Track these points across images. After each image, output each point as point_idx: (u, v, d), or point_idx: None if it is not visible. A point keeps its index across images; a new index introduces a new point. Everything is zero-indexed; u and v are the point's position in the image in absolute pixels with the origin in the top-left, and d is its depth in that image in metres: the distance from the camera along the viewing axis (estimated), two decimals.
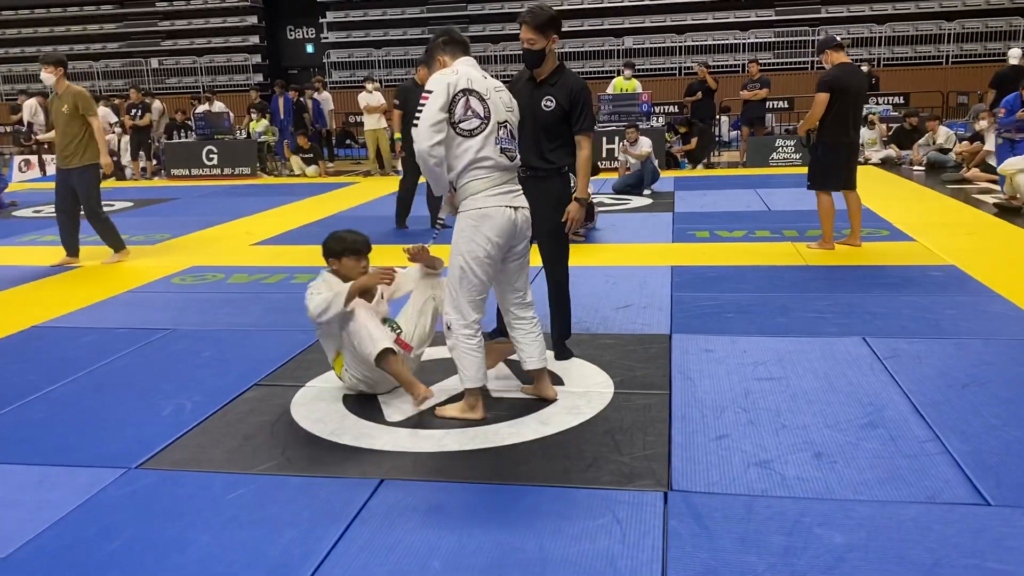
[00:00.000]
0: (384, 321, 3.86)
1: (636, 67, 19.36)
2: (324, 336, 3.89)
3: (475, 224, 3.43)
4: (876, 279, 5.78)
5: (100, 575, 2.52)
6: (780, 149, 13.64)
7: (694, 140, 13.73)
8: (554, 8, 4.14)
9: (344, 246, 3.87)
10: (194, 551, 2.63)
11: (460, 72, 3.42)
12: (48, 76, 7.02)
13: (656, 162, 11.32)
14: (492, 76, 3.62)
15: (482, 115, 3.39)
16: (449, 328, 3.54)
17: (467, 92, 3.36)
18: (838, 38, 6.98)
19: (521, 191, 3.61)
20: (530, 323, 3.73)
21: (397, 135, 8.88)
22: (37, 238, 8.98)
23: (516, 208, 3.52)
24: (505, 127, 3.50)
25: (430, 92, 3.35)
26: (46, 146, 15.67)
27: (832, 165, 6.67)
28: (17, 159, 16.57)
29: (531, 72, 4.16)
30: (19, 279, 6.79)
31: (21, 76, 24.54)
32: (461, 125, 3.37)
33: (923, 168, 12.38)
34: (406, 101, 8.24)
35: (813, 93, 6.64)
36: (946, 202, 9.32)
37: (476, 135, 3.39)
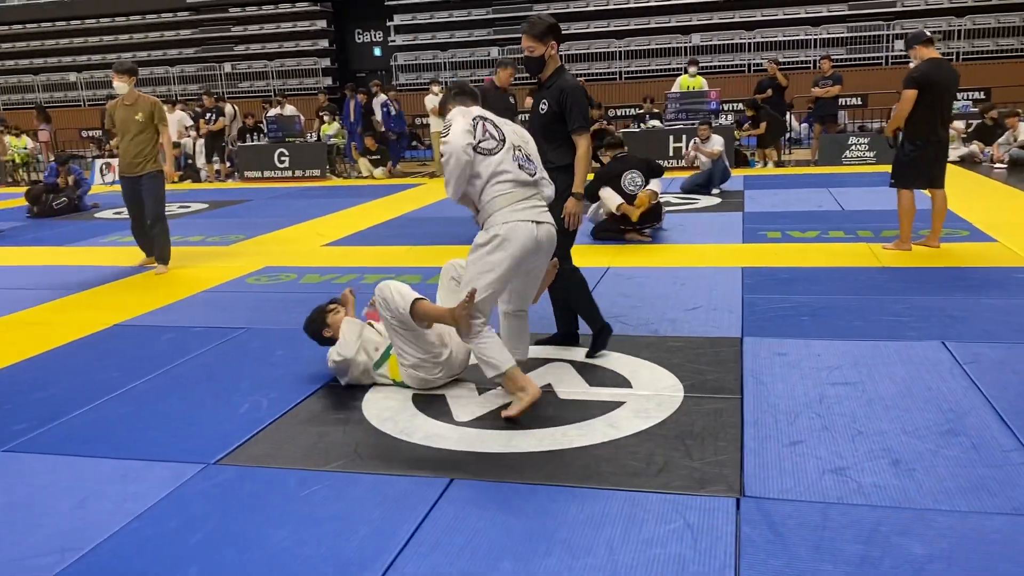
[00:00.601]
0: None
1: (703, 65, 19.10)
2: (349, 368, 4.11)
3: (494, 246, 3.64)
4: (956, 281, 5.59)
5: (183, 567, 2.60)
6: (853, 147, 13.32)
7: (763, 124, 13.47)
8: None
9: (325, 314, 4.34)
10: (272, 545, 2.69)
11: (473, 109, 3.80)
12: (123, 85, 7.05)
13: (727, 161, 11.14)
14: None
15: (498, 137, 3.73)
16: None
17: (482, 119, 3.74)
18: (928, 32, 6.76)
19: (546, 207, 3.81)
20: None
21: None
22: (118, 239, 9.30)
23: (539, 223, 3.70)
24: (520, 150, 3.79)
25: (451, 121, 3.71)
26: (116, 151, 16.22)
27: (919, 163, 6.47)
28: (99, 163, 17.19)
29: (538, 79, 4.47)
30: (101, 279, 7.06)
31: (102, 82, 25.46)
32: (482, 145, 3.68)
33: (1005, 166, 11.94)
34: (486, 103, 8.00)
35: (886, 89, 6.47)
36: None
37: (496, 153, 3.69)
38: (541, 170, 3.88)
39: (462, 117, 3.70)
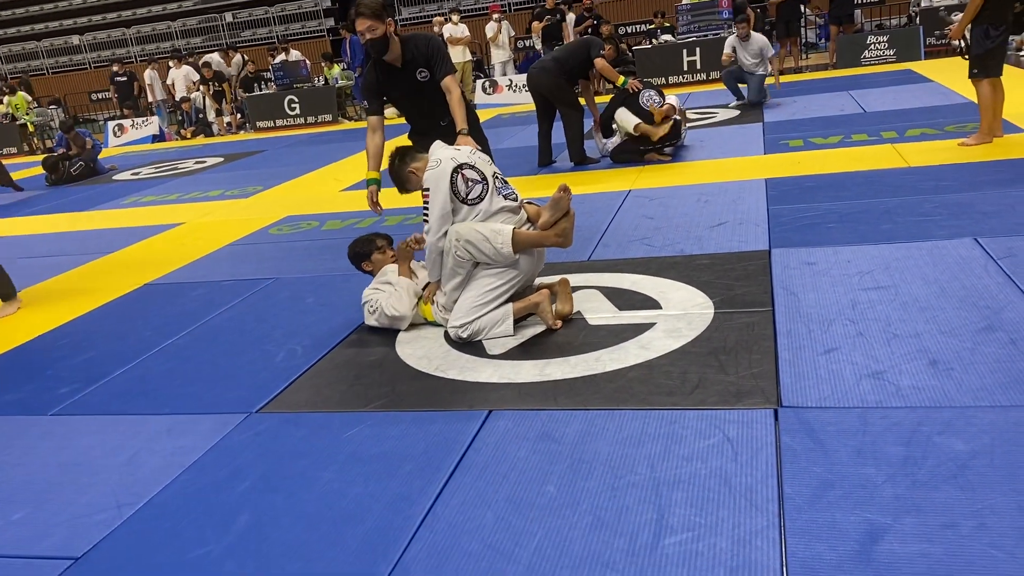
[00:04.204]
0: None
1: None
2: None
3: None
4: (985, 176, 5.48)
5: (235, 514, 2.67)
6: (872, 47, 12.95)
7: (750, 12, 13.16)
8: None
9: (370, 247, 4.33)
10: (319, 487, 2.75)
11: (442, 159, 3.75)
12: None
13: (768, 69, 10.27)
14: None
15: (479, 178, 3.76)
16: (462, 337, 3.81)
17: (457, 169, 3.71)
18: None
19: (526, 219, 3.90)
20: None
21: None
22: (138, 200, 9.35)
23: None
24: (497, 177, 3.87)
25: (427, 190, 3.71)
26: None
27: (1000, 47, 6.19)
28: (111, 124, 17.16)
29: (383, 61, 4.51)
30: (125, 241, 7.11)
31: (105, 43, 25.26)
32: (470, 197, 3.73)
33: None
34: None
35: None
36: None
37: (484, 198, 3.76)
38: (514, 189, 3.95)
39: (441, 192, 3.67)
